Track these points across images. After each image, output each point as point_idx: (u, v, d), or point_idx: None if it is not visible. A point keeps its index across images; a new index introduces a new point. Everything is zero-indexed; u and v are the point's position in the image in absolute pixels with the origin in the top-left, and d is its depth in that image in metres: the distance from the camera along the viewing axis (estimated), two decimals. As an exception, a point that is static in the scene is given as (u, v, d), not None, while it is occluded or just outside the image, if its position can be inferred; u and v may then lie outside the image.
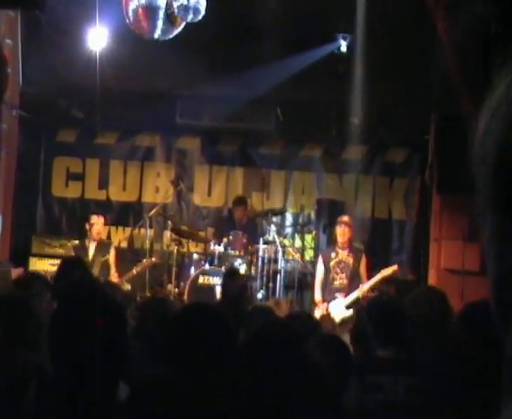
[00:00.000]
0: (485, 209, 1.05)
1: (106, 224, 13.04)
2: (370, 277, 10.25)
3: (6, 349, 3.91)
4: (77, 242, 11.43)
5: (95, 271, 10.73)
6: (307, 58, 11.41)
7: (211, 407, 2.85)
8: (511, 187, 1.01)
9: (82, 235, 11.28)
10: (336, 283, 10.32)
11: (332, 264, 10.36)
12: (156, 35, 9.17)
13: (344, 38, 11.35)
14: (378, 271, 10.23)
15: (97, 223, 11.21)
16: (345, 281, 10.29)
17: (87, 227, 11.19)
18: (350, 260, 10.40)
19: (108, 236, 13.13)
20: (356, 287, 10.08)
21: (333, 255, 10.44)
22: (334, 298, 10.17)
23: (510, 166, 0.99)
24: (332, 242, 11.13)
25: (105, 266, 10.97)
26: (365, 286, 9.97)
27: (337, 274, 10.32)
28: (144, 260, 11.32)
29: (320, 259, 10.71)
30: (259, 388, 2.39)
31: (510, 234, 1.02)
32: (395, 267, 10.21)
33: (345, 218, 10.70)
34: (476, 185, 1.06)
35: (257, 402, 2.34)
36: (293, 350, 2.55)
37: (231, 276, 8.67)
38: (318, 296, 10.42)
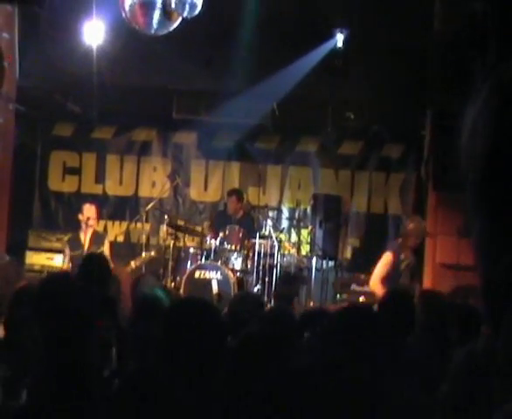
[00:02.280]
0: (473, 214, 1.07)
1: (102, 218, 13.09)
2: None
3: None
4: (70, 235, 11.39)
5: None
6: (308, 61, 11.44)
7: (199, 402, 2.87)
8: (498, 194, 1.03)
9: (77, 228, 11.27)
10: None
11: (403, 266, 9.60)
12: (153, 30, 9.19)
13: (341, 32, 11.37)
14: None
15: (89, 210, 11.15)
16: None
17: (80, 218, 11.15)
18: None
19: (105, 230, 13.13)
20: None
21: (402, 256, 9.63)
22: None
23: (497, 173, 1.01)
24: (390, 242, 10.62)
25: None
26: None
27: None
28: (143, 254, 11.33)
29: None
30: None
31: (498, 239, 1.04)
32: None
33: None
34: (465, 186, 1.08)
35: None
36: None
37: (286, 281, 8.69)
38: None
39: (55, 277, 5.62)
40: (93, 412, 2.89)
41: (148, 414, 2.90)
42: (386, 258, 9.17)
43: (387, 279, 8.98)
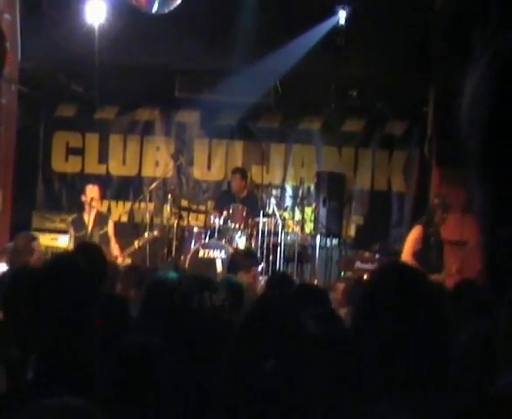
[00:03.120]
0: (476, 184, 1.06)
1: (105, 199, 13.11)
2: None
3: None
4: (74, 216, 11.39)
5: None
6: (310, 38, 11.40)
7: (199, 379, 2.88)
8: (499, 160, 1.02)
9: (81, 209, 11.28)
10: None
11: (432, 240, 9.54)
12: (154, 9, 9.17)
13: (343, 9, 11.33)
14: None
15: (92, 191, 11.16)
16: None
17: (83, 199, 11.16)
18: None
19: (108, 210, 13.13)
20: None
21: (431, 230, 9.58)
22: None
23: (497, 138, 1.00)
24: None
25: (104, 239, 10.96)
26: None
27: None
28: (146, 234, 11.34)
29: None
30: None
31: (499, 205, 1.03)
32: None
33: None
34: (466, 156, 1.07)
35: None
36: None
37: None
38: None
39: (58, 259, 5.63)
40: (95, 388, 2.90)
41: (148, 388, 2.91)
42: (416, 233, 9.19)
43: (418, 254, 9.03)
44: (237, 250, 10.93)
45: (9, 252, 7.63)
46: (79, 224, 11.06)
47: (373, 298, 2.69)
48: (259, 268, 11.47)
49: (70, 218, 11.50)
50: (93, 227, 10.99)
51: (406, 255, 9.17)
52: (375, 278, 2.88)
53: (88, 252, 6.04)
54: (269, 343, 2.25)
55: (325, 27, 11.44)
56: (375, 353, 2.44)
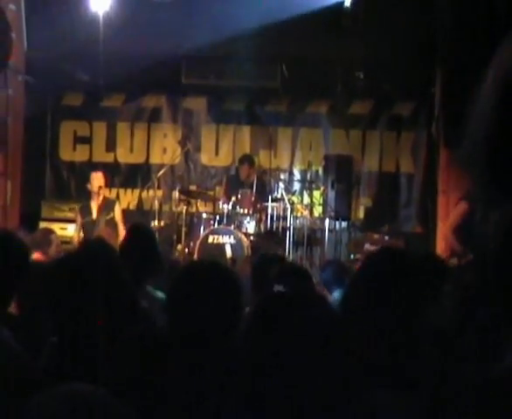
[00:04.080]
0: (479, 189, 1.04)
1: (114, 187, 13.16)
2: None
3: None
4: (82, 203, 11.44)
5: (100, 229, 10.71)
6: (311, 3, 11.33)
7: (207, 368, 2.89)
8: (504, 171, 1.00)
9: (89, 197, 11.32)
10: None
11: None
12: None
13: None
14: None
15: (97, 178, 11.20)
16: None
17: (89, 187, 11.21)
18: None
19: (117, 198, 13.16)
20: None
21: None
22: None
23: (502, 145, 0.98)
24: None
25: (111, 224, 10.96)
26: None
27: None
28: (152, 224, 11.37)
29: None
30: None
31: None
32: None
33: None
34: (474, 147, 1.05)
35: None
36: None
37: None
38: None
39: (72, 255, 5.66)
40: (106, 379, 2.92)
41: (157, 376, 2.92)
42: (460, 208, 8.82)
43: (460, 230, 8.66)
44: (258, 234, 10.96)
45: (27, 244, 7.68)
46: (85, 211, 11.11)
47: (362, 283, 2.73)
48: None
49: (78, 206, 11.55)
50: (98, 212, 11.01)
51: (447, 231, 8.98)
52: (365, 264, 2.91)
53: (93, 251, 6.05)
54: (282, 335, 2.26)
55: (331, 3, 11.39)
56: (362, 336, 2.45)
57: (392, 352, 2.51)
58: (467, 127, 1.06)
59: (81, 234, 11.17)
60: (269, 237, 11.40)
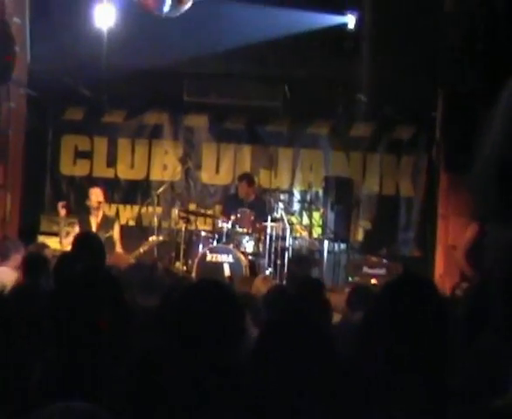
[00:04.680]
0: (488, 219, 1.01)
1: (113, 202, 13.16)
2: None
3: None
4: (79, 218, 11.42)
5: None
6: (313, 22, 11.37)
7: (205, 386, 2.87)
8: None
9: (89, 213, 11.30)
10: None
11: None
12: (164, 13, 9.18)
13: (352, 13, 11.35)
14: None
15: (96, 194, 11.18)
16: None
17: (89, 204, 11.20)
18: None
19: (116, 214, 13.16)
20: None
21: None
22: None
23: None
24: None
25: (109, 242, 10.95)
26: None
27: None
28: (150, 238, 11.33)
29: None
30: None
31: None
32: None
33: None
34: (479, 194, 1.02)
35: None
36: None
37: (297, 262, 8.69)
38: None
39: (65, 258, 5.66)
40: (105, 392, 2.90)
41: (156, 394, 2.91)
42: (472, 230, 8.79)
43: (472, 253, 8.64)
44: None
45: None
46: (84, 226, 11.08)
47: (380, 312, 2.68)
48: (267, 272, 11.51)
49: (76, 220, 11.52)
50: (97, 230, 10.99)
51: (459, 254, 8.95)
52: (385, 291, 2.85)
53: (90, 245, 6.07)
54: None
55: (333, 24, 11.43)
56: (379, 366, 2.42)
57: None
58: (479, 153, 1.05)
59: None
60: (300, 262, 11.43)
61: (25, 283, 6.08)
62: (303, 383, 2.20)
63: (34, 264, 6.61)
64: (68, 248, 11.30)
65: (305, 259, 11.68)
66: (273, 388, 2.22)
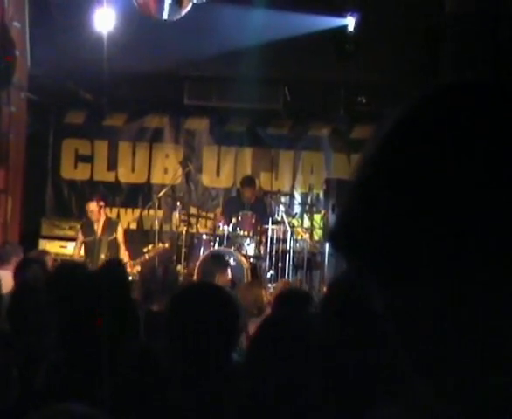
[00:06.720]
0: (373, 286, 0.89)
1: (114, 206, 13.17)
2: None
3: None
4: (83, 221, 11.44)
5: (103, 250, 10.77)
6: (313, 24, 11.36)
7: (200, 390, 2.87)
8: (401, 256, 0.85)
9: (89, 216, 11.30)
10: None
11: None
12: (164, 16, 9.18)
13: (353, 16, 11.34)
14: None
15: (93, 209, 11.15)
16: None
17: (89, 215, 11.21)
18: None
19: (118, 217, 13.15)
20: None
21: None
22: None
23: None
24: None
25: (113, 245, 10.98)
26: None
27: None
28: (156, 245, 11.31)
29: None
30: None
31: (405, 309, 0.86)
32: None
33: None
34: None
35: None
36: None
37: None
38: None
39: (68, 265, 5.66)
40: (105, 395, 2.90)
41: (157, 401, 2.90)
42: None
43: None
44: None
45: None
46: (88, 230, 11.10)
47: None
48: (268, 275, 11.50)
49: (79, 225, 11.54)
50: (102, 233, 11.02)
51: None
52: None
53: (112, 271, 6.05)
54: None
55: (333, 26, 11.43)
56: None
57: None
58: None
59: (82, 252, 11.16)
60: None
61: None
62: (299, 382, 2.19)
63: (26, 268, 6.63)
64: (73, 252, 11.40)
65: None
66: (268, 387, 2.21)
